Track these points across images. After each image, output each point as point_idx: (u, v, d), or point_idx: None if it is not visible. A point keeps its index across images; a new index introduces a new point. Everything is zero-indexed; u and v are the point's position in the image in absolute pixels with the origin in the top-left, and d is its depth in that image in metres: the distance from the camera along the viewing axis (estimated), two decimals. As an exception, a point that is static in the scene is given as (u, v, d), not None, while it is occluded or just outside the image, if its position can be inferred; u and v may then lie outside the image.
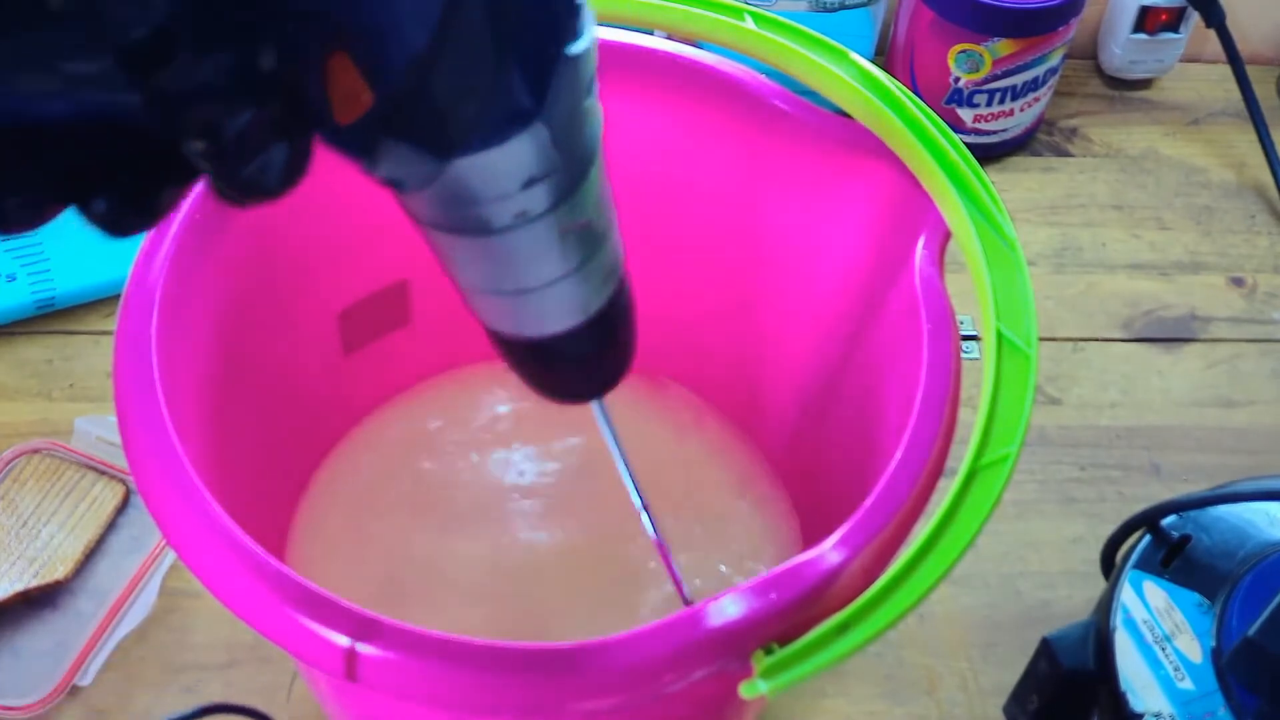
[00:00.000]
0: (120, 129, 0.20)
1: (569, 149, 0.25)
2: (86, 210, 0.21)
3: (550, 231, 0.27)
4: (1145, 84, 0.80)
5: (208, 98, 0.19)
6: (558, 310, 0.29)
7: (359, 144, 0.23)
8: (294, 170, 0.21)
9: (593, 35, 0.25)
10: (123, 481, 0.54)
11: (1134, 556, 0.44)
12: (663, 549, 0.40)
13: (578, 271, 0.28)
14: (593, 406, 0.35)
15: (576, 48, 0.24)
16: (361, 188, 0.47)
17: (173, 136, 0.20)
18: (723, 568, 0.49)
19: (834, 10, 0.69)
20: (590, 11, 0.24)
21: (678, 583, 0.40)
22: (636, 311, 0.33)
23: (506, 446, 0.52)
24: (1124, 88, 0.79)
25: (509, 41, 0.23)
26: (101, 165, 0.21)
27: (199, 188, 0.39)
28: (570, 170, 0.26)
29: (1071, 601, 0.54)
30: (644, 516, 0.39)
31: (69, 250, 0.59)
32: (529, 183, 0.25)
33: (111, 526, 0.53)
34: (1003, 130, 0.72)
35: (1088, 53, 0.80)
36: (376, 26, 0.21)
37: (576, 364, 0.32)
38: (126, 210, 0.21)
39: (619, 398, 0.56)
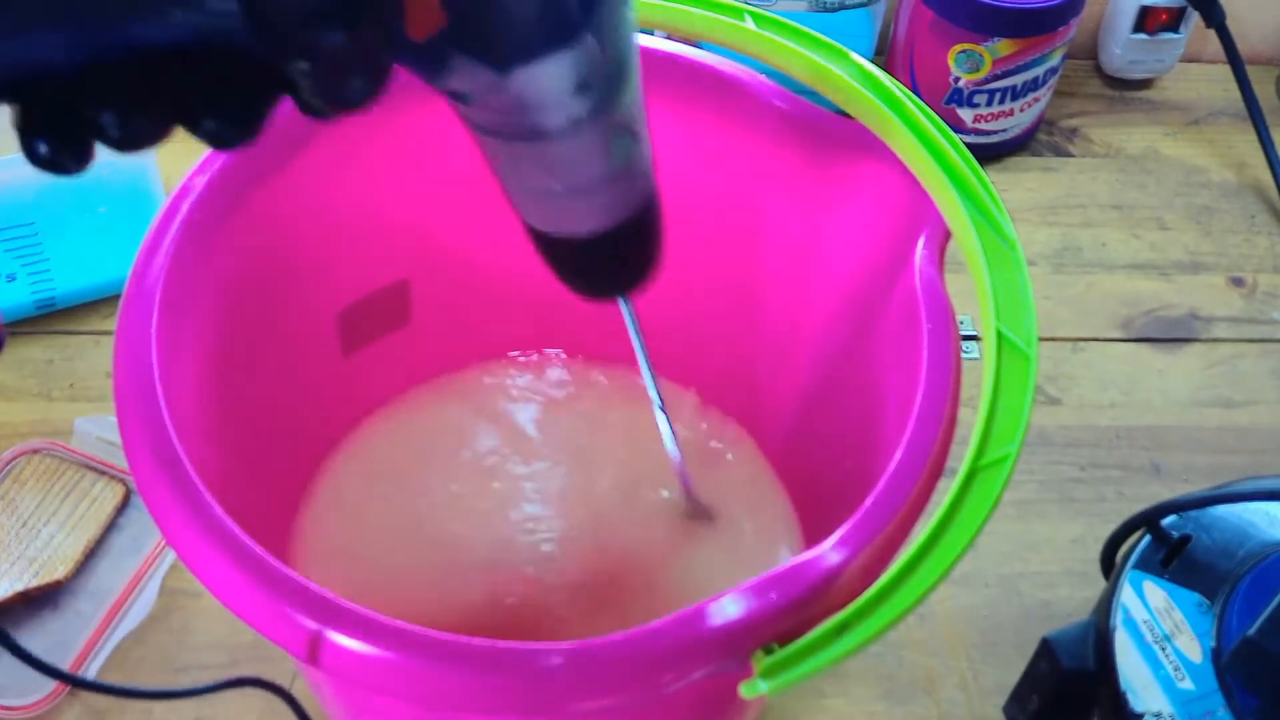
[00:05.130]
0: (225, 53, 0.23)
1: (612, 56, 0.28)
2: (197, 129, 0.24)
3: (597, 133, 0.30)
4: (1145, 84, 0.80)
5: (308, 21, 0.22)
6: (601, 209, 0.33)
7: (430, 60, 0.26)
8: (378, 84, 0.24)
9: None
10: (123, 481, 0.54)
11: (1134, 556, 0.44)
12: (678, 460, 0.44)
13: (620, 171, 0.32)
14: (620, 304, 0.38)
15: None
16: (362, 187, 0.47)
17: (276, 58, 0.23)
18: (722, 567, 0.49)
19: (834, 10, 0.69)
20: None
21: (688, 484, 0.45)
22: (664, 212, 0.36)
23: (507, 446, 0.52)
24: (1124, 88, 0.79)
25: None
26: (209, 87, 0.24)
27: (198, 195, 0.39)
28: (613, 76, 0.29)
29: (1071, 601, 0.54)
30: (661, 417, 0.43)
31: (69, 250, 0.59)
32: (579, 89, 0.28)
33: (111, 526, 0.53)
34: (1003, 130, 0.72)
35: (1088, 53, 0.80)
36: None
37: (613, 259, 0.35)
38: (231, 126, 0.25)
39: (619, 397, 0.56)
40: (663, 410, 0.42)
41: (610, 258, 0.35)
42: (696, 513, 0.48)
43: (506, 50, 0.26)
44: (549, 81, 0.27)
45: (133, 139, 0.24)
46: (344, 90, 0.23)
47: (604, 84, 0.29)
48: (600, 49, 0.28)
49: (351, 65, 0.23)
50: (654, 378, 0.42)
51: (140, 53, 0.23)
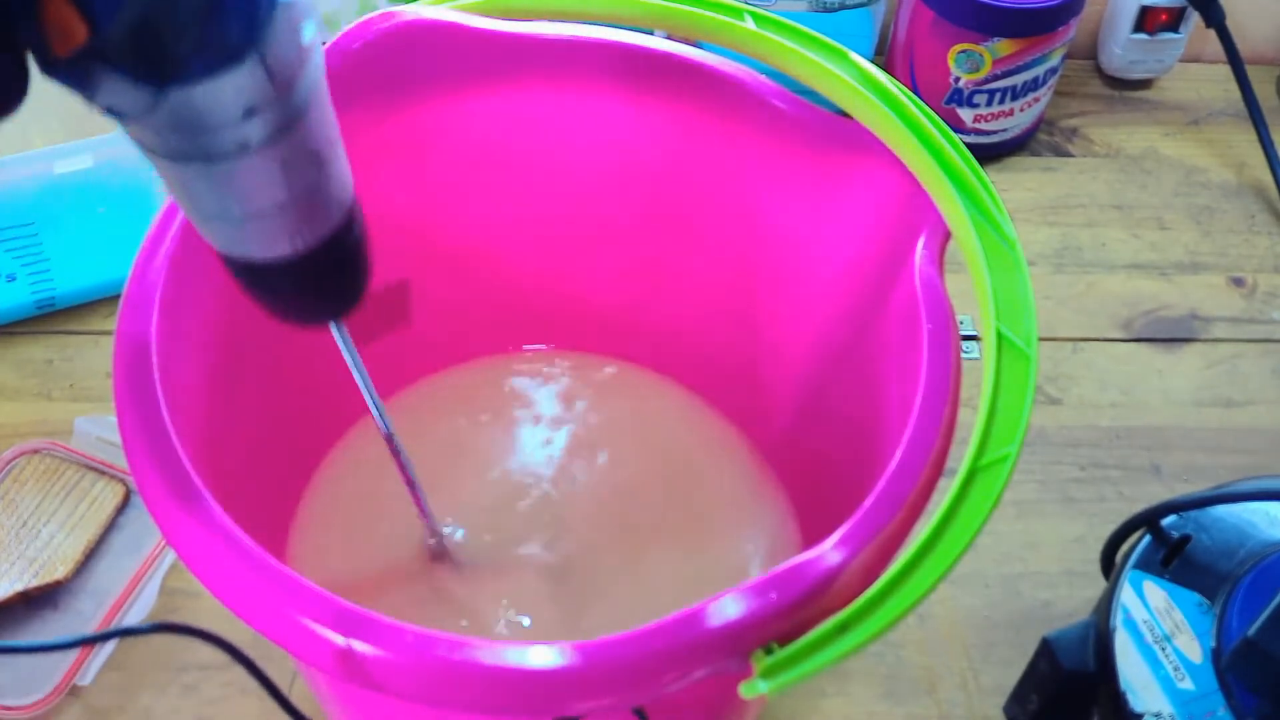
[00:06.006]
0: None
1: (286, 84, 0.27)
2: None
3: (271, 161, 0.28)
4: (1145, 84, 0.80)
5: None
6: (283, 235, 0.31)
7: (75, 75, 0.24)
8: (9, 99, 0.22)
9: None
10: (123, 481, 0.54)
11: (1134, 556, 0.44)
12: (409, 481, 0.43)
13: (303, 199, 0.30)
14: (332, 329, 0.36)
15: None
16: (361, 188, 0.47)
17: None
18: (722, 567, 0.49)
19: (834, 10, 0.69)
20: None
21: (424, 511, 0.44)
22: (369, 242, 0.34)
23: (506, 446, 0.52)
24: (1124, 88, 0.79)
25: None
26: None
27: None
28: (289, 105, 0.27)
29: (1071, 601, 0.54)
30: (390, 444, 0.41)
31: (69, 250, 0.59)
32: (247, 114, 0.26)
33: (111, 526, 0.53)
34: (1003, 130, 0.72)
35: (1088, 53, 0.80)
36: None
37: (307, 287, 0.33)
38: None
39: (619, 396, 0.56)
40: (391, 439, 0.41)
41: (301, 285, 0.33)
42: (438, 551, 0.46)
43: (159, 70, 0.25)
44: (211, 105, 0.26)
45: None
46: None
47: (279, 110, 0.27)
48: (271, 74, 0.26)
49: None
50: (378, 403, 0.40)
51: None
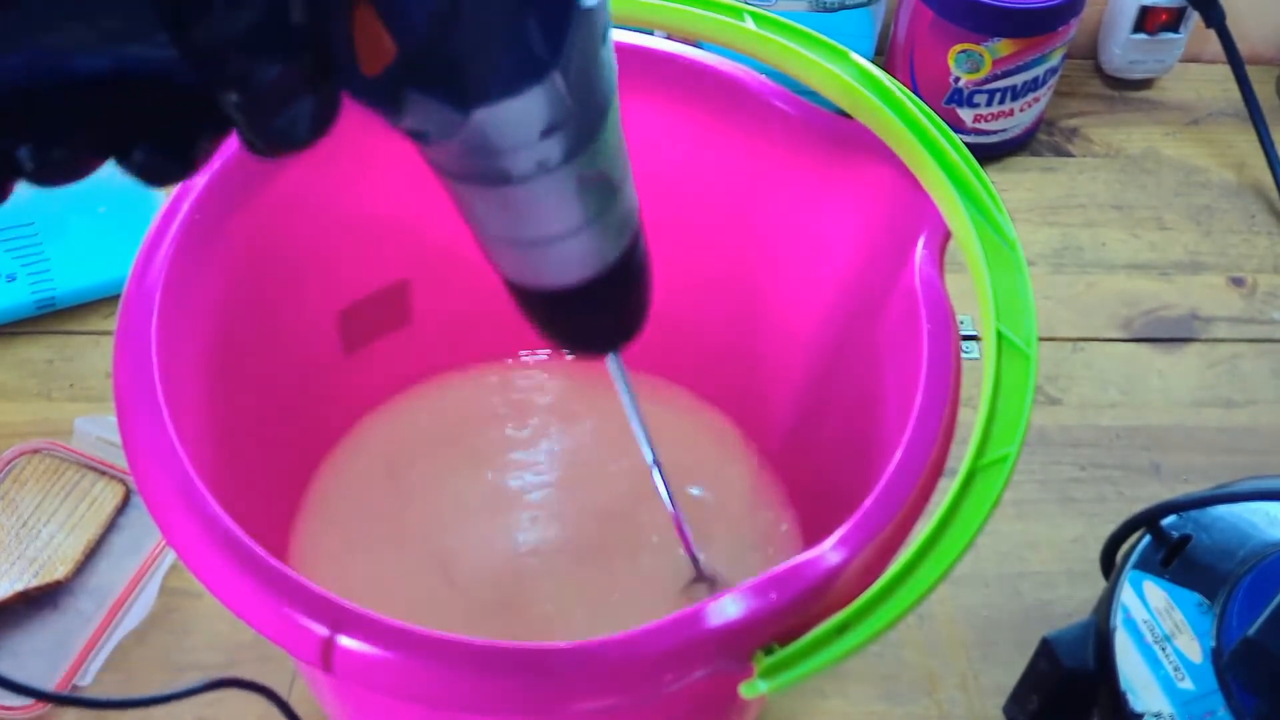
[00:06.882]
0: (156, 82, 0.21)
1: (585, 99, 0.26)
2: (126, 161, 0.22)
3: (569, 180, 0.27)
4: (1145, 84, 0.80)
5: (240, 50, 0.20)
6: (576, 260, 0.30)
7: (383, 96, 0.24)
8: (321, 121, 0.22)
9: None
10: (123, 481, 0.54)
11: (1134, 556, 0.44)
12: (677, 517, 0.41)
13: (596, 221, 0.29)
14: (609, 360, 0.36)
15: (590, 0, 0.25)
16: (362, 187, 0.47)
17: (207, 89, 0.21)
18: (722, 567, 0.49)
19: (834, 10, 0.69)
20: None
21: (689, 545, 0.42)
22: (651, 264, 0.33)
23: (507, 447, 0.52)
24: (1124, 88, 0.79)
25: None
26: (139, 117, 0.22)
27: (199, 195, 0.39)
28: (586, 119, 0.27)
29: (1071, 601, 0.54)
30: (656, 474, 0.40)
31: (69, 250, 0.59)
32: (547, 132, 0.26)
33: (111, 526, 0.53)
34: (1003, 130, 0.72)
35: (1088, 53, 0.80)
36: None
37: (594, 314, 0.32)
38: (164, 160, 0.22)
39: (618, 397, 0.56)
40: (658, 466, 0.39)
41: (589, 312, 0.32)
42: (698, 577, 0.45)
43: (465, 88, 0.24)
44: (513, 123, 0.25)
45: (50, 173, 0.21)
46: (282, 126, 0.21)
47: (576, 127, 0.26)
48: (570, 90, 0.25)
49: (289, 99, 0.21)
50: (648, 435, 0.39)
51: (59, 80, 0.20)
